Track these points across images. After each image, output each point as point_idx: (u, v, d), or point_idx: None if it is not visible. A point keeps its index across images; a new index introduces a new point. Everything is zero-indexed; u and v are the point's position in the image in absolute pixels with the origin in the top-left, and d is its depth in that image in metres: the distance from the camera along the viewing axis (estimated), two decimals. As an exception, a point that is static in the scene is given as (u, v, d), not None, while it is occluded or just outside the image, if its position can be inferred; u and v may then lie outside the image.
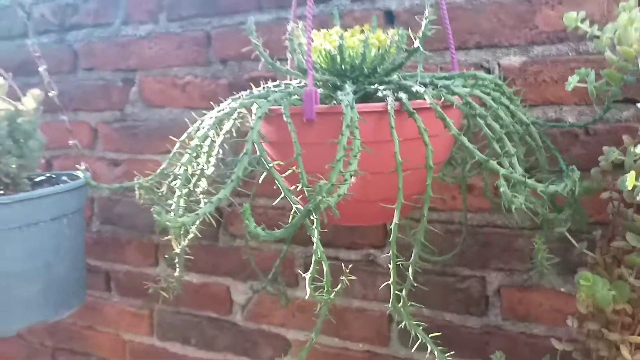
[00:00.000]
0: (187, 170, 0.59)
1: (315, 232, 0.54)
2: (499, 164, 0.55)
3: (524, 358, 0.92)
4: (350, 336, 1.09)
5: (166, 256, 0.78)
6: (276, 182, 0.57)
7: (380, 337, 1.07)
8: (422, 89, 0.61)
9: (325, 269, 0.55)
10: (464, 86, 0.65)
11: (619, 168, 0.61)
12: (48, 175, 1.00)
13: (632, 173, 0.50)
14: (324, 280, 0.55)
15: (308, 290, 0.54)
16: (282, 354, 1.16)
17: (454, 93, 0.62)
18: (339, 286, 0.54)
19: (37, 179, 0.99)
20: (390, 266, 0.57)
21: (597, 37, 0.68)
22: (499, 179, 0.53)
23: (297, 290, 1.13)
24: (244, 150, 0.55)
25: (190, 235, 0.74)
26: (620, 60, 0.64)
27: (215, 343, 1.24)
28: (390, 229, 1.00)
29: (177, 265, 0.75)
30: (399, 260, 0.57)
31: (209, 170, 0.67)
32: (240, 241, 1.18)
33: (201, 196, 0.73)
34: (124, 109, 1.30)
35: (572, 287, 0.90)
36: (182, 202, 0.59)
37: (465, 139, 0.56)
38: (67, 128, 0.89)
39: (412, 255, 0.58)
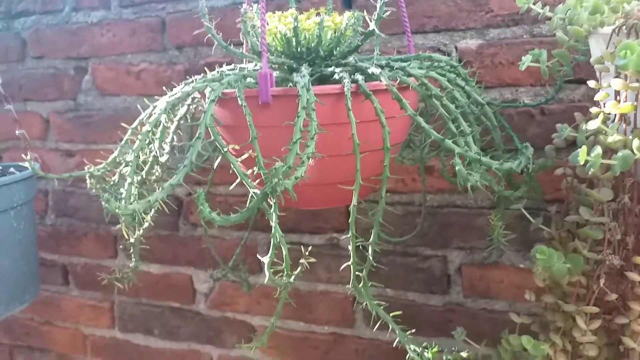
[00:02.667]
0: (138, 156, 0.57)
1: (274, 216, 0.53)
2: (455, 143, 0.56)
3: (485, 333, 0.94)
4: (315, 319, 1.10)
5: (120, 246, 0.75)
6: (232, 166, 0.55)
7: (345, 319, 1.07)
8: (378, 71, 0.61)
9: (284, 252, 0.54)
10: (420, 68, 0.65)
11: (572, 145, 0.63)
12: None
13: (584, 148, 0.51)
14: (284, 264, 0.54)
15: (267, 274, 0.53)
16: (248, 341, 1.15)
17: (409, 75, 0.62)
18: (298, 269, 0.54)
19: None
20: (350, 247, 0.57)
21: (549, 18, 0.69)
22: (455, 158, 0.53)
23: (261, 276, 1.12)
24: (197, 135, 0.53)
25: (145, 225, 0.72)
26: (571, 40, 0.65)
27: (179, 333, 1.23)
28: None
29: (133, 255, 0.73)
30: (359, 242, 0.57)
31: (163, 158, 0.65)
32: (201, 230, 1.16)
33: (155, 185, 0.71)
34: (77, 98, 1.25)
35: (531, 263, 0.92)
36: (133, 190, 0.57)
37: (421, 120, 0.56)
38: (13, 118, 0.85)
39: (372, 236, 0.58)
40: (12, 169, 0.90)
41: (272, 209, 0.53)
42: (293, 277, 0.55)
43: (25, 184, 0.85)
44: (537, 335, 0.65)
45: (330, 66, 0.66)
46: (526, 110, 0.89)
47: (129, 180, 0.55)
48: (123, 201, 0.52)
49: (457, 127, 0.58)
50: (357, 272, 0.59)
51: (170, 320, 1.24)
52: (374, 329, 1.03)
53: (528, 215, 0.67)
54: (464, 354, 0.58)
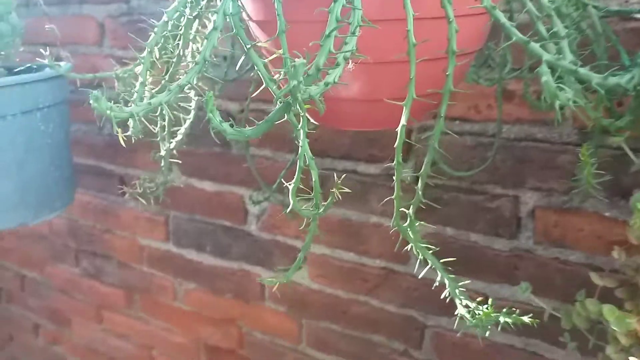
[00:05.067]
0: (151, 52, 0.49)
1: (301, 134, 0.43)
2: (544, 48, 0.42)
3: (555, 285, 0.83)
4: (366, 252, 1.03)
5: (150, 158, 0.70)
6: (257, 69, 0.46)
7: (399, 254, 0.99)
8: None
9: (314, 178, 0.45)
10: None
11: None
12: (29, 65, 0.89)
13: None
14: (313, 192, 0.45)
15: (292, 201, 0.45)
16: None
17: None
18: (329, 200, 0.45)
19: (17, 70, 0.88)
20: (395, 177, 0.47)
21: None
22: (542, 66, 0.40)
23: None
24: (213, 25, 0.43)
25: (179, 137, 0.65)
26: None
27: (230, 252, 1.21)
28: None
29: (162, 169, 0.67)
30: (406, 172, 0.47)
31: (189, 57, 0.56)
32: (254, 149, 1.10)
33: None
34: (130, 0, 1.18)
35: (619, 213, 0.78)
36: (146, 92, 0.49)
37: (500, 15, 0.43)
38: (44, 12, 0.79)
39: (424, 165, 0.47)
40: (47, 69, 0.85)
41: (300, 125, 0.43)
42: (322, 208, 0.45)
43: (53, 83, 0.80)
44: (621, 303, 0.53)
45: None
46: (638, 27, 0.72)
47: (140, 80, 0.47)
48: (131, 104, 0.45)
49: (549, 28, 0.44)
50: (401, 209, 0.49)
51: (222, 239, 1.22)
52: (426, 270, 0.95)
53: (629, 152, 0.53)
54: (525, 319, 0.47)
